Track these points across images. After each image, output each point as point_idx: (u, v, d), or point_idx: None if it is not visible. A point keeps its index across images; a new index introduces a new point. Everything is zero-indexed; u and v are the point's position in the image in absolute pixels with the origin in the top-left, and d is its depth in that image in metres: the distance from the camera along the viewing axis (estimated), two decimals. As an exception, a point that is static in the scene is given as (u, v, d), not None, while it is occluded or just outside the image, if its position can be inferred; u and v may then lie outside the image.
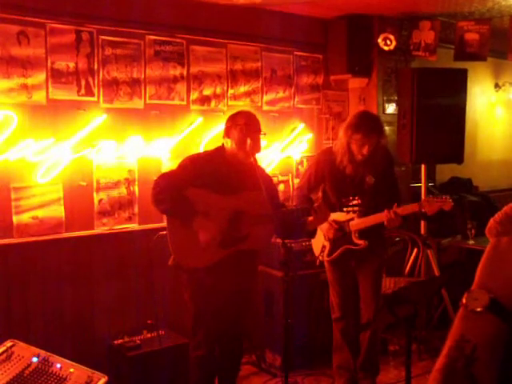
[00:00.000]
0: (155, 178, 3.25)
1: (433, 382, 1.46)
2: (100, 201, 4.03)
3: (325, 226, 3.69)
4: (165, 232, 3.25)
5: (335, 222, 3.69)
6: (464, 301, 1.54)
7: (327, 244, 3.78)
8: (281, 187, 4.92)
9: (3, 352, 2.65)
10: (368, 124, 3.59)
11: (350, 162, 3.64)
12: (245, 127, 3.20)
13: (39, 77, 3.73)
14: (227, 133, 3.26)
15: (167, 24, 4.26)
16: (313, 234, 3.86)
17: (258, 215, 3.10)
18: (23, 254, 3.73)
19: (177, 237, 3.19)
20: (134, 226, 4.18)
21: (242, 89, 4.72)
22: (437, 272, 4.60)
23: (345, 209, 3.47)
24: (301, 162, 5.13)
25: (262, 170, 3.53)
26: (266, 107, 4.87)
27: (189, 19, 4.37)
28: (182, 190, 3.12)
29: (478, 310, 1.50)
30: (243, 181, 3.21)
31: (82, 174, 3.94)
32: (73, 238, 3.91)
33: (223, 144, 3.29)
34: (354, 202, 3.51)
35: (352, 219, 3.69)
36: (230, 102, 4.63)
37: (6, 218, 3.66)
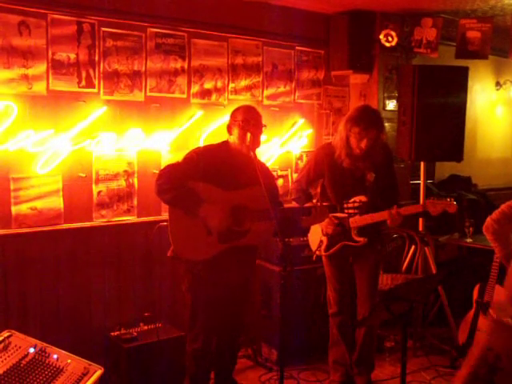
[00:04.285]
0: (160, 169, 3.26)
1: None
2: (99, 193, 4.03)
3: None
4: (165, 223, 3.26)
5: (335, 217, 3.66)
6: (491, 312, 1.54)
7: (324, 239, 3.76)
8: (280, 182, 4.92)
9: (0, 342, 2.66)
10: (368, 118, 3.57)
11: (347, 156, 3.62)
12: (244, 123, 3.23)
13: (40, 67, 3.73)
14: (229, 129, 3.32)
15: (169, 17, 4.25)
16: (306, 232, 3.87)
17: (259, 210, 3.11)
18: (21, 245, 3.73)
19: (177, 228, 3.20)
20: (132, 219, 4.18)
21: (243, 83, 4.72)
22: (434, 269, 4.61)
23: (346, 211, 3.47)
24: (300, 157, 5.13)
25: (265, 166, 3.54)
26: (266, 101, 4.86)
27: (191, 12, 4.36)
28: (186, 181, 3.15)
29: (506, 320, 1.50)
30: (246, 176, 3.22)
31: (81, 165, 3.94)
32: (71, 230, 3.92)
33: (228, 139, 3.34)
34: (356, 204, 3.51)
35: (352, 216, 3.67)
36: (231, 96, 4.63)
37: (5, 209, 3.66)
